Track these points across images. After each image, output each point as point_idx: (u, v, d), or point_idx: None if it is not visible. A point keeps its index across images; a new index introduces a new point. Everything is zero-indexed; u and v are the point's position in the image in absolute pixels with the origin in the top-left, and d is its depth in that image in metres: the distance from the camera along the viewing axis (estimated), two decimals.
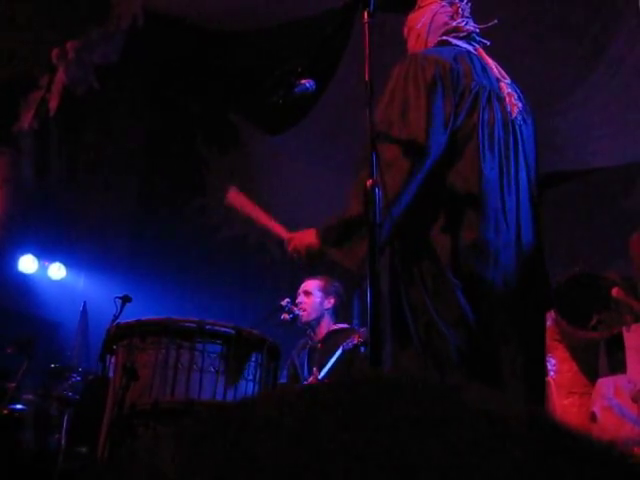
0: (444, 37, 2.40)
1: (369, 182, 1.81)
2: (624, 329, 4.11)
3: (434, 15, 2.42)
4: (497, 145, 2.20)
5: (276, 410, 0.46)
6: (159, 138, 7.63)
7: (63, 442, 4.15)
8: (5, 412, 4.38)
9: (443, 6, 2.43)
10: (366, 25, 1.91)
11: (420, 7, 2.49)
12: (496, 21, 2.47)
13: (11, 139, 6.81)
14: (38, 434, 4.37)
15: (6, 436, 4.27)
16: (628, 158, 5.65)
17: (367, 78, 1.92)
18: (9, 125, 6.78)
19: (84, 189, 7.29)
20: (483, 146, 2.15)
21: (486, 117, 2.21)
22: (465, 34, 2.42)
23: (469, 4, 2.49)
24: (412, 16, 2.51)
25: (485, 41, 2.46)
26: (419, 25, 2.44)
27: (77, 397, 4.39)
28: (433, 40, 2.40)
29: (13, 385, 4.47)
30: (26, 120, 6.71)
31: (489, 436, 0.41)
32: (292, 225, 2.60)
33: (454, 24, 2.41)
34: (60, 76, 6.53)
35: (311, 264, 2.36)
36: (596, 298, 4.44)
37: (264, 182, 7.63)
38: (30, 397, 4.62)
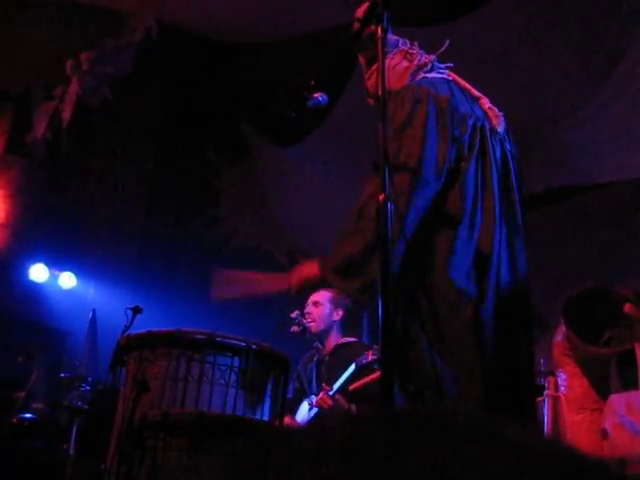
0: (415, 77, 2.47)
1: (381, 197, 1.81)
2: (636, 345, 4.08)
3: (389, 70, 2.44)
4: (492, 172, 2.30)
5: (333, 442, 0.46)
6: (170, 148, 7.67)
7: (72, 452, 4.15)
8: (14, 421, 4.39)
9: (392, 58, 2.49)
10: (380, 40, 1.91)
11: (372, 76, 2.53)
12: (448, 41, 2.53)
13: (24, 149, 6.87)
14: (47, 443, 4.37)
15: (15, 445, 4.27)
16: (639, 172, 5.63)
17: (380, 93, 1.91)
18: (23, 135, 6.84)
19: (95, 199, 7.33)
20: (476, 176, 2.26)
21: (478, 145, 2.30)
22: (429, 67, 2.49)
23: (415, 43, 2.55)
24: (370, 82, 2.55)
25: (449, 64, 2.53)
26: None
27: (86, 407, 4.39)
28: (402, 84, 2.45)
29: (23, 394, 4.49)
30: (39, 130, 6.76)
31: (526, 472, 0.41)
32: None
33: (415, 63, 2.48)
34: (74, 87, 6.58)
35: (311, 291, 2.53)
36: (607, 313, 4.41)
37: (274, 191, 7.65)
38: (39, 406, 4.63)
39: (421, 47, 2.55)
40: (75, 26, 6.53)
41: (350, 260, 2.19)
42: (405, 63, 2.50)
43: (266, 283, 2.61)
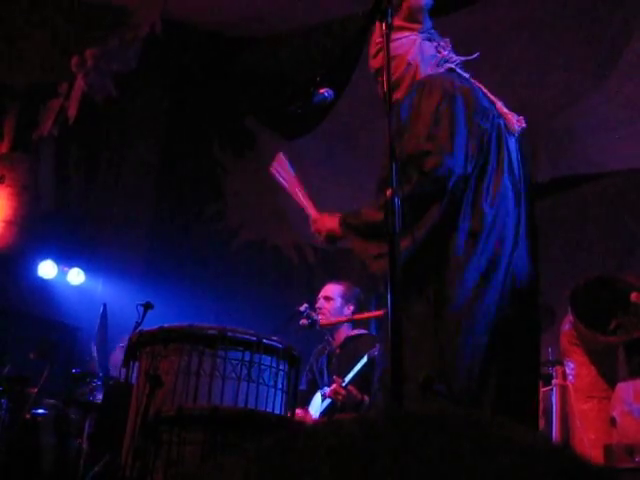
0: (439, 68, 2.49)
1: (389, 191, 1.82)
2: None
3: (421, 46, 2.51)
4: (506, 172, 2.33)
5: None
6: (175, 143, 7.68)
7: (85, 447, 4.18)
8: (27, 417, 4.43)
9: (423, 39, 2.52)
10: (385, 37, 1.92)
11: (395, 39, 2.49)
12: (478, 54, 2.53)
13: (31, 146, 6.89)
14: (59, 439, 4.41)
15: (28, 441, 4.32)
16: None
17: (386, 88, 1.92)
18: (29, 132, 6.87)
19: (102, 195, 7.36)
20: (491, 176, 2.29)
21: (495, 143, 2.33)
22: (451, 66, 2.50)
23: (448, 41, 2.57)
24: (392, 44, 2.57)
25: (465, 74, 2.54)
26: (410, 57, 2.50)
27: (98, 402, 4.43)
28: (427, 69, 2.48)
29: (35, 390, 4.52)
30: (46, 127, 6.79)
31: (519, 469, 0.43)
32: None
33: (444, 54, 2.50)
34: (79, 84, 6.60)
35: (328, 245, 2.57)
36: (615, 302, 4.41)
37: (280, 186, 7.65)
38: (52, 402, 4.67)
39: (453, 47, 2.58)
40: (79, 23, 6.54)
41: (373, 225, 2.22)
42: (432, 50, 2.53)
43: (303, 200, 2.71)
